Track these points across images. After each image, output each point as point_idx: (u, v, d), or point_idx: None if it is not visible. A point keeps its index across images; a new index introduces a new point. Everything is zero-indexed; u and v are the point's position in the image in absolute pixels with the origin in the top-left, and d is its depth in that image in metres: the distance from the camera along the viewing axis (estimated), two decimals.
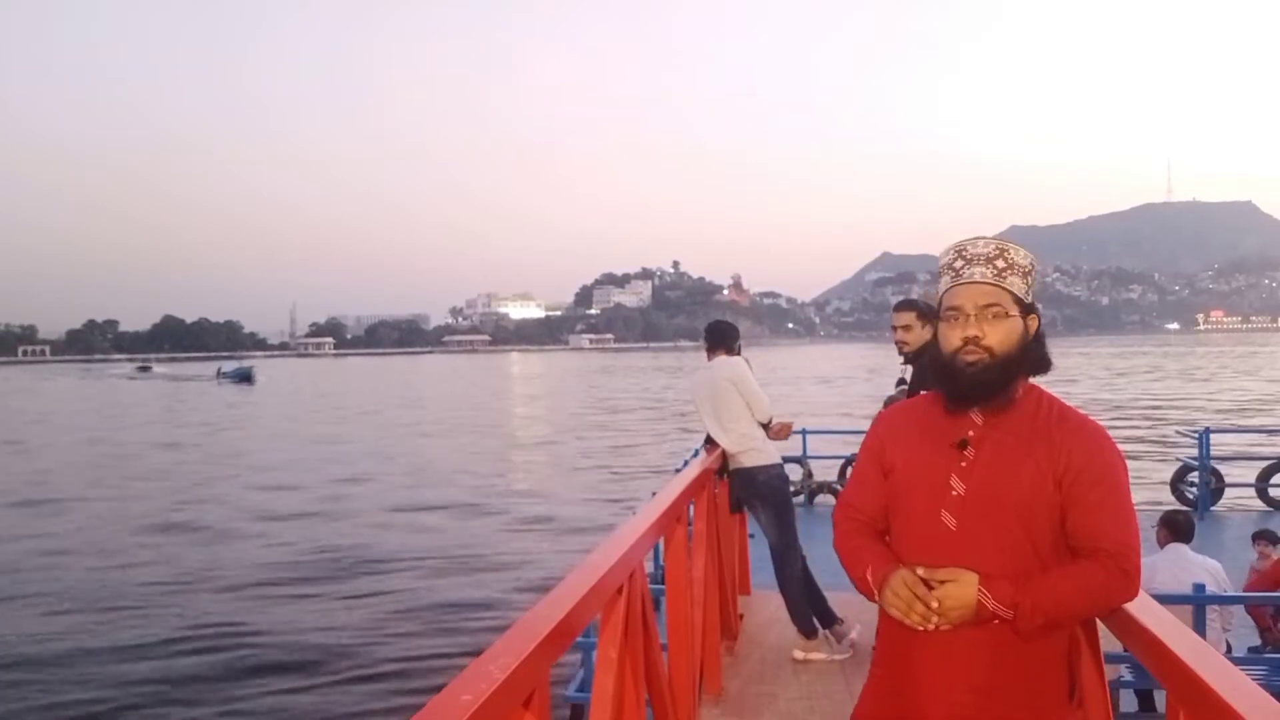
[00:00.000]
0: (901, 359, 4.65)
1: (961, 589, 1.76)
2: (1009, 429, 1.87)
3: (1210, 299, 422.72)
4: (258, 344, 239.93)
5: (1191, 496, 11.12)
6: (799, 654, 4.90)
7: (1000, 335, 1.85)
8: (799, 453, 11.39)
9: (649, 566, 6.17)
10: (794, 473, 10.25)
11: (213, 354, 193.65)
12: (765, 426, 5.12)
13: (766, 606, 5.72)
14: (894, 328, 4.69)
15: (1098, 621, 2.09)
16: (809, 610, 4.97)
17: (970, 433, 1.88)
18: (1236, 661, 4.30)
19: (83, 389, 77.68)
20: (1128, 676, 5.38)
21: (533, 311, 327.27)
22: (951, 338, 1.88)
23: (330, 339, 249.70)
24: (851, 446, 10.89)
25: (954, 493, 1.85)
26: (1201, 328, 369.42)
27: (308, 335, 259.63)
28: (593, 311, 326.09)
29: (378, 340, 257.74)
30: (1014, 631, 1.79)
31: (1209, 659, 1.59)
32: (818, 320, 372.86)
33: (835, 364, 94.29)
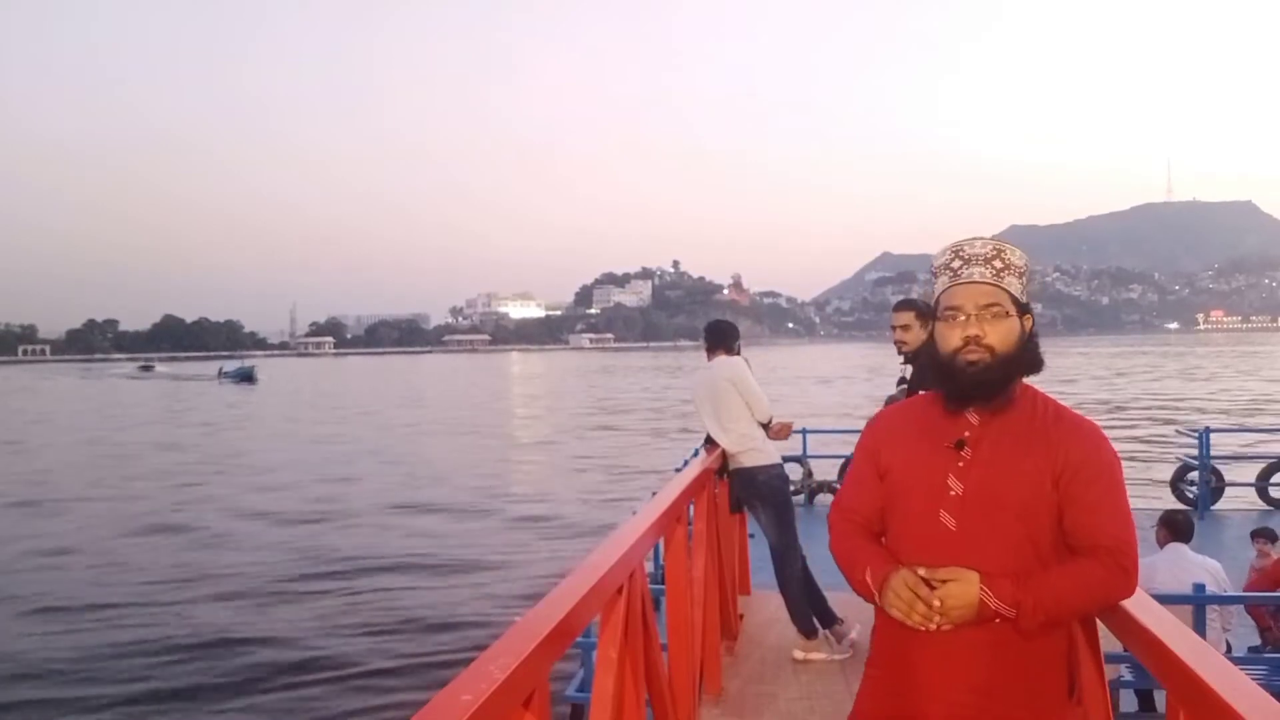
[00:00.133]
0: (901, 359, 4.66)
1: (964, 588, 1.76)
2: (1006, 428, 1.88)
3: (1210, 299, 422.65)
4: (258, 344, 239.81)
5: (1191, 496, 11.12)
6: (799, 654, 4.89)
7: (1000, 335, 1.85)
8: (799, 452, 11.39)
9: (649, 566, 6.17)
10: (794, 473, 10.25)
11: (213, 354, 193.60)
12: (765, 426, 5.12)
13: (766, 606, 5.72)
14: (893, 327, 4.70)
15: (1098, 621, 2.09)
16: (809, 610, 4.97)
17: (967, 433, 1.88)
18: (1236, 661, 4.30)
19: (83, 389, 77.68)
20: (1128, 676, 5.38)
21: (533, 311, 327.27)
22: (951, 337, 1.88)
23: (330, 338, 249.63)
24: (851, 446, 10.85)
25: (952, 493, 1.85)
26: (1201, 327, 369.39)
27: (308, 335, 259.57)
28: (593, 311, 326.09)
29: (378, 340, 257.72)
30: (1016, 630, 1.79)
31: (1209, 659, 1.59)
32: (818, 320, 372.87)
33: (835, 364, 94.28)
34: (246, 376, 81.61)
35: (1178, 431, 15.85)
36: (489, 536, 15.28)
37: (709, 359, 5.27)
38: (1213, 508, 10.76)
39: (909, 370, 4.61)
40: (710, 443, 5.28)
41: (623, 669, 2.41)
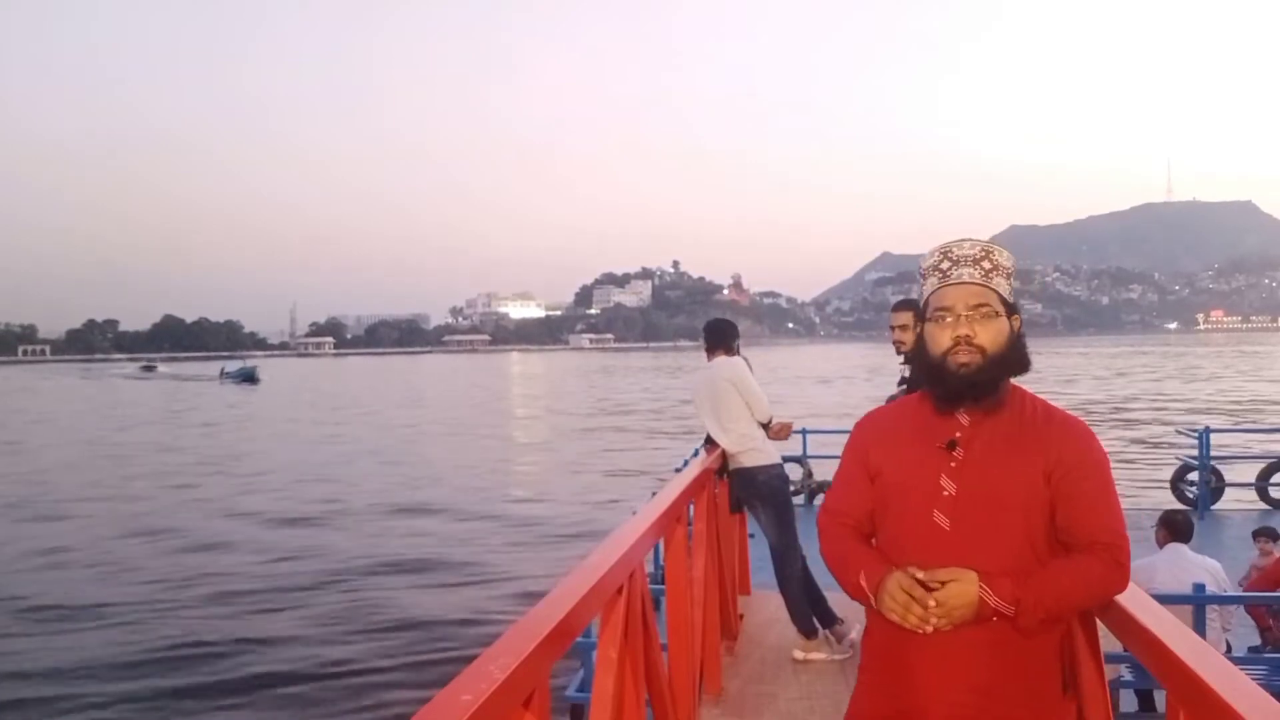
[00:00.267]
0: (900, 359, 4.66)
1: (964, 588, 1.76)
2: (997, 428, 1.89)
3: (1210, 299, 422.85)
4: (258, 344, 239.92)
5: (1192, 496, 11.12)
6: (799, 654, 4.89)
7: (991, 335, 1.87)
8: (799, 453, 11.40)
9: (649, 566, 6.16)
10: (794, 473, 10.25)
11: (213, 354, 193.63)
12: (765, 426, 5.12)
13: (766, 606, 5.72)
14: (892, 327, 4.70)
15: (1098, 621, 2.09)
16: (809, 610, 4.97)
17: (958, 433, 1.89)
18: (1236, 661, 4.30)
19: (84, 389, 77.65)
20: (1128, 676, 5.37)
21: (533, 311, 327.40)
22: (941, 339, 1.88)
23: (330, 339, 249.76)
24: None
25: (945, 493, 1.86)
26: (1201, 327, 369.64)
27: (308, 335, 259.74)
28: (593, 311, 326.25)
29: (378, 340, 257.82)
30: (1015, 628, 1.79)
31: (1209, 659, 1.59)
32: (818, 320, 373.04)
33: (835, 364, 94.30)
34: (248, 377, 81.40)
35: (1178, 431, 15.85)
36: (486, 539, 15.22)
37: (709, 359, 5.27)
38: (1213, 508, 10.76)
39: (909, 370, 4.61)
40: (710, 443, 5.28)
41: (623, 669, 2.41)
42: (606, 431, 33.49)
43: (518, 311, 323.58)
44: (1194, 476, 11.13)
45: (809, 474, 11.36)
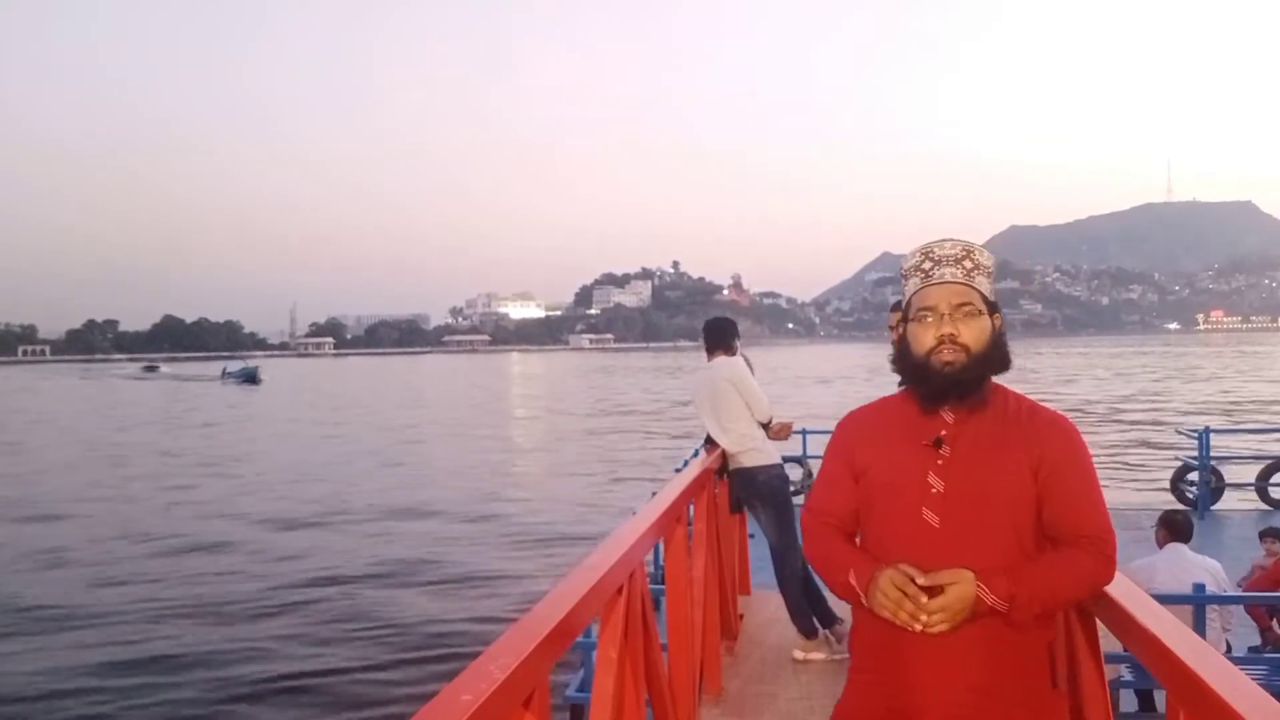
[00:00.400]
0: None
1: (965, 589, 1.76)
2: (982, 425, 1.91)
3: (1210, 299, 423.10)
4: (258, 344, 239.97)
5: (1191, 496, 11.12)
6: (799, 654, 4.89)
7: (974, 333, 1.89)
8: (799, 453, 11.40)
9: (649, 566, 6.17)
10: (794, 473, 10.25)
11: (213, 354, 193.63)
12: (765, 426, 5.12)
13: (766, 606, 5.72)
14: (891, 327, 4.69)
15: (1098, 621, 2.09)
16: (809, 610, 4.97)
17: (944, 431, 1.90)
18: (1236, 661, 4.30)
19: (85, 389, 77.61)
20: (1128, 676, 5.38)
21: (533, 311, 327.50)
22: (925, 338, 1.90)
23: (330, 339, 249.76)
24: None
25: (933, 490, 1.87)
26: (1201, 328, 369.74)
27: (308, 335, 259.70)
28: (593, 311, 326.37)
29: (378, 340, 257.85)
30: (1007, 623, 1.80)
31: (1209, 659, 1.59)
32: (818, 320, 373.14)
33: (835, 364, 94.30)
34: (250, 378, 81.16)
35: (1178, 431, 15.84)
36: (484, 541, 15.17)
37: (709, 359, 5.27)
38: (1213, 508, 10.76)
39: None
40: (710, 443, 5.28)
41: (623, 669, 2.41)
42: (606, 434, 33.51)
43: (518, 312, 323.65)
44: (1194, 477, 11.13)
45: (809, 474, 11.34)
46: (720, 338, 5.27)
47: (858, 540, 2.01)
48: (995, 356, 1.91)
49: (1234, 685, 1.46)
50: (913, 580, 1.78)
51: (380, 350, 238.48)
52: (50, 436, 35.07)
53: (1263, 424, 26.46)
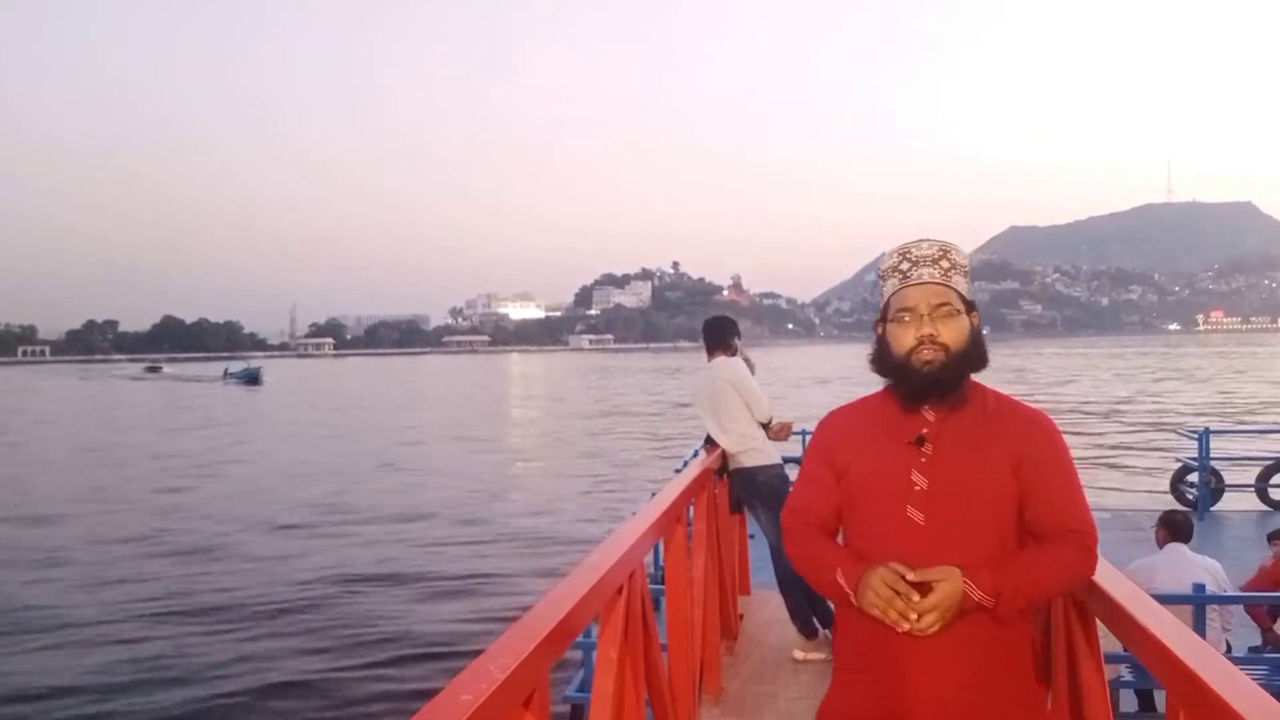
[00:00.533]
0: None
1: (953, 586, 1.77)
2: (963, 423, 1.92)
3: (1210, 299, 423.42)
4: (257, 344, 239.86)
5: (1191, 497, 11.13)
6: (799, 654, 4.89)
7: (953, 332, 1.91)
8: (799, 453, 11.39)
9: (649, 566, 6.17)
10: (794, 473, 10.22)
11: (213, 354, 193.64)
12: (765, 426, 5.12)
13: (766, 606, 5.72)
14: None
15: (1098, 621, 2.09)
16: (809, 610, 4.97)
17: (925, 429, 1.92)
18: (1236, 661, 4.30)
19: (86, 390, 77.60)
20: (1128, 676, 5.38)
21: (532, 312, 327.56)
22: (905, 338, 1.92)
23: (330, 339, 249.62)
24: None
25: (917, 488, 1.88)
26: (1201, 328, 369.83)
27: (308, 336, 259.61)
28: (593, 312, 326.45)
29: (377, 341, 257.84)
30: (994, 618, 1.82)
31: (1209, 659, 1.59)
32: (817, 321, 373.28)
33: (835, 364, 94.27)
34: (252, 378, 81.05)
35: (1178, 432, 15.85)
36: (482, 544, 15.11)
37: (709, 359, 5.27)
38: (1212, 509, 10.76)
39: None
40: (710, 443, 5.28)
41: (623, 669, 2.41)
42: (605, 435, 33.52)
43: (517, 312, 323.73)
44: (1194, 478, 11.14)
45: None
46: (720, 337, 5.27)
47: (839, 539, 2.02)
48: (974, 355, 1.93)
49: (1234, 685, 1.46)
50: (903, 578, 1.79)
51: (380, 351, 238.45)
52: (52, 437, 35.08)
53: (1263, 425, 26.47)
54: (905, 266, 1.95)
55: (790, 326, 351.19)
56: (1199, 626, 5.01)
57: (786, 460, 5.31)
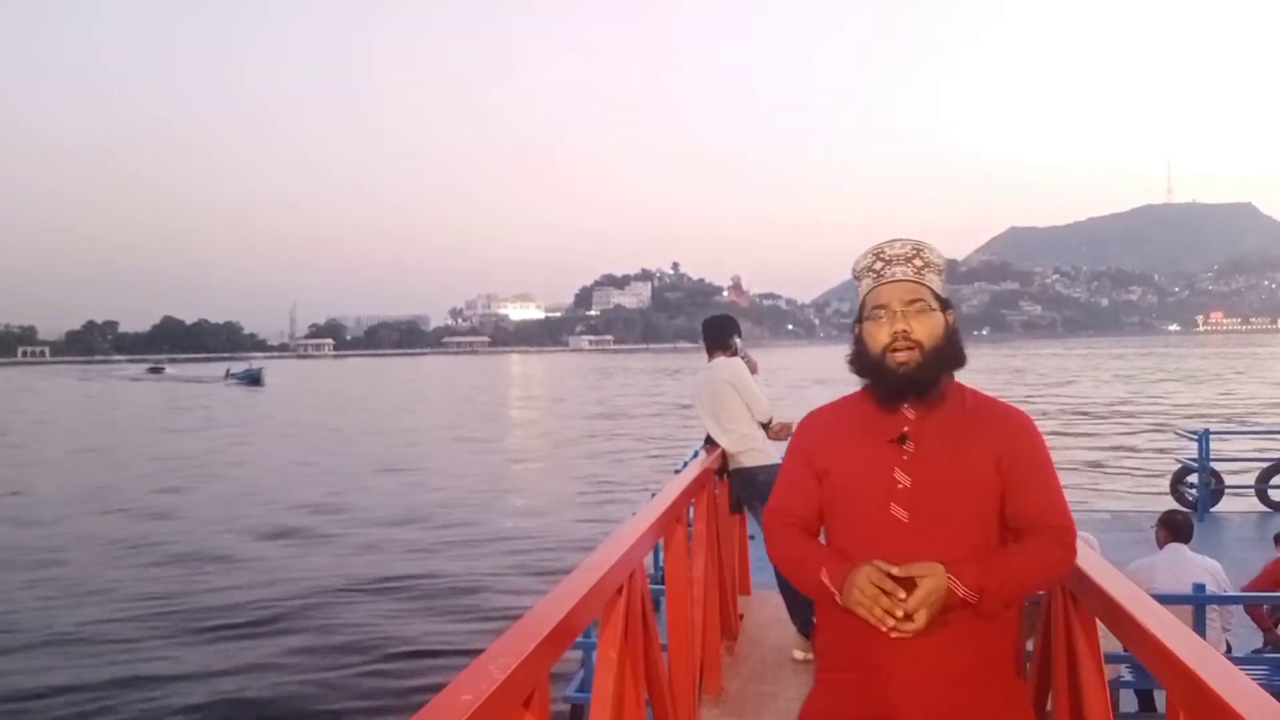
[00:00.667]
0: None
1: (938, 582, 1.78)
2: (943, 420, 1.93)
3: (1210, 300, 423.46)
4: (257, 345, 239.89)
5: (1191, 498, 11.12)
6: (799, 654, 4.89)
7: (927, 329, 1.92)
8: None
9: (649, 567, 6.17)
10: None
11: (212, 355, 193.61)
12: (765, 426, 5.12)
13: (766, 606, 5.72)
14: None
15: (1098, 621, 2.09)
16: (809, 610, 4.96)
17: (906, 427, 1.93)
18: (1236, 661, 4.30)
19: (87, 390, 77.55)
20: (1128, 676, 5.37)
21: (532, 313, 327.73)
22: (880, 336, 1.94)
23: (330, 340, 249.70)
24: None
25: (900, 486, 1.90)
26: (1201, 329, 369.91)
27: (307, 336, 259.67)
28: (592, 313, 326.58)
29: (377, 342, 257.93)
30: (977, 613, 1.82)
31: (1209, 659, 1.59)
32: (817, 322, 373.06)
33: (835, 365, 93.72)
34: (254, 379, 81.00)
35: (1177, 433, 15.85)
36: (481, 546, 15.03)
37: (709, 359, 5.27)
38: (1212, 510, 10.76)
39: None
40: (710, 443, 5.28)
41: (623, 669, 2.41)
42: (604, 436, 33.52)
43: (517, 313, 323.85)
44: (1194, 479, 11.14)
45: None
46: (720, 337, 5.27)
47: (821, 539, 2.03)
48: (950, 353, 1.95)
49: (1234, 685, 1.46)
50: (888, 575, 1.79)
51: (380, 352, 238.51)
52: (54, 438, 35.07)
53: (1263, 426, 26.47)
54: (879, 266, 1.97)
55: (790, 327, 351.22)
56: (1199, 626, 5.01)
57: None
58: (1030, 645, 2.72)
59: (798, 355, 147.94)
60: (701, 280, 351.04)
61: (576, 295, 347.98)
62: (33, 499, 20.09)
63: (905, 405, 1.93)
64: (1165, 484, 12.47)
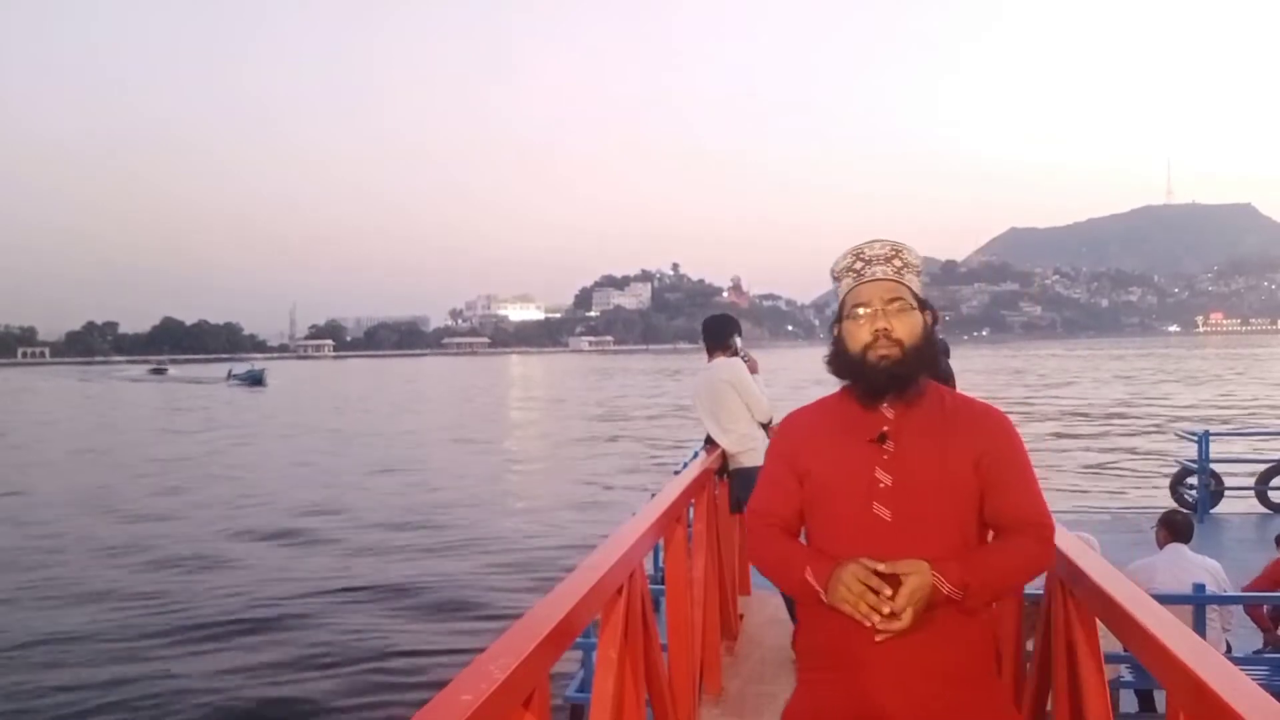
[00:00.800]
0: None
1: (922, 580, 1.78)
2: (921, 419, 1.95)
3: (1210, 301, 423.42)
4: (257, 346, 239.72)
5: (1191, 499, 11.12)
6: None
7: (907, 328, 1.94)
8: None
9: (649, 567, 6.17)
10: None
11: (212, 355, 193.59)
12: (765, 427, 5.12)
13: (766, 606, 5.73)
14: None
15: (1098, 621, 2.10)
16: None
17: (886, 426, 1.94)
18: (1236, 661, 4.30)
19: (85, 390, 77.55)
20: (1128, 676, 5.37)
21: (532, 313, 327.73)
22: (860, 334, 1.95)
23: (330, 341, 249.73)
24: None
25: (882, 485, 1.91)
26: (1201, 330, 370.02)
27: (307, 337, 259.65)
28: (592, 314, 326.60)
29: (377, 342, 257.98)
30: (960, 610, 1.84)
31: (1209, 659, 1.59)
32: (817, 322, 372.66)
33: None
34: (256, 380, 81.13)
35: (1177, 434, 15.85)
36: (481, 546, 15.05)
37: (709, 359, 5.27)
38: (1212, 511, 10.76)
39: None
40: (710, 443, 5.28)
41: (623, 669, 2.41)
42: (604, 437, 33.52)
43: (517, 314, 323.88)
44: (1194, 480, 11.13)
45: None
46: (720, 337, 5.27)
47: (802, 540, 2.04)
48: (928, 353, 1.96)
49: (1234, 685, 1.46)
50: (874, 572, 1.80)
51: (380, 353, 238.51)
52: (54, 439, 35.06)
53: (1262, 427, 26.47)
54: (859, 265, 2.00)
55: (790, 328, 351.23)
56: (1199, 627, 5.01)
57: None
58: (1030, 645, 2.73)
59: (798, 356, 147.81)
60: (701, 281, 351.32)
61: (576, 296, 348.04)
62: (33, 500, 20.09)
63: (885, 404, 1.94)
64: (1165, 485, 12.48)
